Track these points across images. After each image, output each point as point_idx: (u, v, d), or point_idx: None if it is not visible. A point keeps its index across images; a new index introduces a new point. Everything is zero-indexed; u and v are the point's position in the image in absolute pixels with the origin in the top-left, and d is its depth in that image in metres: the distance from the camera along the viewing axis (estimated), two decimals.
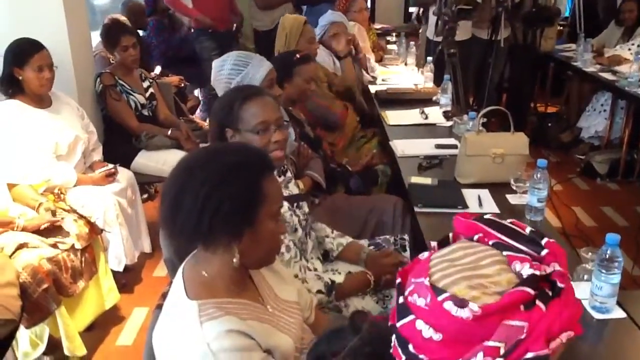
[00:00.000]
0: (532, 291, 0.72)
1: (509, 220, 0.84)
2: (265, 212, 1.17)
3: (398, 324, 0.77)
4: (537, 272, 0.74)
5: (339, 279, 1.84)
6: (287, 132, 1.80)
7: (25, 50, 2.64)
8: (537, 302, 0.72)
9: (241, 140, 1.71)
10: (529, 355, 0.70)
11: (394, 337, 0.78)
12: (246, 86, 1.95)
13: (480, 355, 0.70)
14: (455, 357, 0.71)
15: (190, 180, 1.14)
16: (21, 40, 2.68)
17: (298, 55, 2.69)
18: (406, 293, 0.78)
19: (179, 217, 1.14)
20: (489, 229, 0.82)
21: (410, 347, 0.75)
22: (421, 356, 0.74)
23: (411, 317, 0.75)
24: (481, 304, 0.71)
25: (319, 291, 1.76)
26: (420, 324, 0.74)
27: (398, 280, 0.83)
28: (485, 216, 0.85)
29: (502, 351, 0.70)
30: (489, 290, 0.73)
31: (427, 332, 0.73)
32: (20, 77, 2.65)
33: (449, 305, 0.71)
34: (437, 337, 0.72)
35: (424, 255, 0.83)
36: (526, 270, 0.74)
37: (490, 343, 0.70)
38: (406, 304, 0.77)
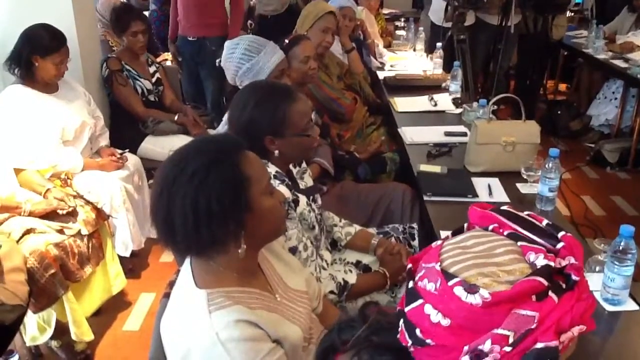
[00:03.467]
0: (545, 282, 0.71)
1: (525, 213, 0.83)
2: (255, 192, 1.15)
3: (406, 309, 0.76)
4: (552, 263, 0.73)
5: (352, 279, 1.80)
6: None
7: (52, 43, 2.63)
8: (550, 293, 0.71)
9: (283, 144, 1.66)
10: (539, 345, 0.69)
11: (401, 322, 0.77)
12: (280, 89, 1.80)
13: (488, 342, 0.69)
14: (462, 344, 0.70)
15: (171, 200, 1.11)
16: (46, 30, 2.65)
17: (287, 40, 2.64)
18: (416, 278, 0.77)
19: (178, 238, 1.12)
20: (505, 219, 0.81)
21: (418, 331, 0.74)
22: (428, 341, 0.73)
23: (420, 301, 0.74)
24: (492, 291, 0.70)
25: (330, 292, 1.73)
26: (428, 308, 0.73)
27: (409, 266, 0.82)
28: (502, 207, 0.84)
29: (511, 340, 0.69)
30: (500, 279, 0.72)
31: (436, 317, 0.72)
32: (36, 64, 2.64)
33: (459, 291, 0.70)
34: (445, 322, 0.71)
35: (437, 243, 0.82)
36: (540, 260, 0.73)
37: (499, 331, 0.69)
38: (415, 289, 0.76)
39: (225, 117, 2.25)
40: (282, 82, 2.09)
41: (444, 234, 0.87)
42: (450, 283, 0.71)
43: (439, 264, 0.74)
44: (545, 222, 0.81)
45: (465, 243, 0.78)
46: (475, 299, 0.69)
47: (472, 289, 0.70)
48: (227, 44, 2.33)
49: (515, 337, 0.68)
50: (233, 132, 1.72)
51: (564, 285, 0.73)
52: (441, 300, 0.72)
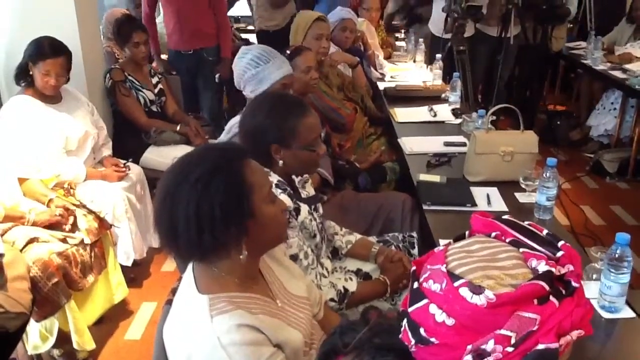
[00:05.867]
0: (546, 286, 0.73)
1: (526, 222, 0.85)
2: (258, 199, 1.17)
3: (410, 309, 0.78)
4: (553, 270, 0.75)
5: (352, 287, 1.80)
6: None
7: (42, 50, 2.64)
8: (551, 298, 0.73)
9: (289, 156, 1.68)
10: (540, 346, 0.70)
11: (404, 322, 0.79)
12: (294, 101, 1.82)
13: (491, 342, 0.71)
14: (465, 343, 0.72)
15: (174, 206, 1.13)
16: (46, 40, 2.68)
17: (288, 52, 2.68)
18: (421, 279, 0.79)
19: (181, 243, 1.14)
20: (507, 228, 0.83)
21: (422, 330, 0.76)
22: (432, 339, 0.74)
23: (425, 301, 0.76)
24: (496, 293, 0.72)
25: (331, 299, 1.74)
26: (433, 308, 0.75)
27: (413, 269, 0.84)
28: (504, 217, 0.86)
29: (513, 340, 0.70)
30: (504, 282, 0.74)
31: (440, 316, 0.74)
32: (30, 72, 2.67)
33: (464, 292, 0.72)
34: (449, 322, 0.73)
35: (439, 248, 0.84)
36: (542, 267, 0.76)
37: (502, 331, 0.71)
38: (420, 289, 0.78)
39: (227, 126, 2.29)
40: (296, 96, 2.12)
41: (443, 242, 0.89)
42: (456, 284, 0.73)
43: (444, 265, 0.76)
44: (545, 231, 0.84)
45: (469, 247, 0.80)
46: (480, 300, 0.71)
47: (477, 290, 0.72)
48: (242, 48, 2.40)
49: (517, 338, 0.70)
50: (240, 137, 1.76)
51: (563, 292, 0.75)
52: (446, 300, 0.73)
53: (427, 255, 0.85)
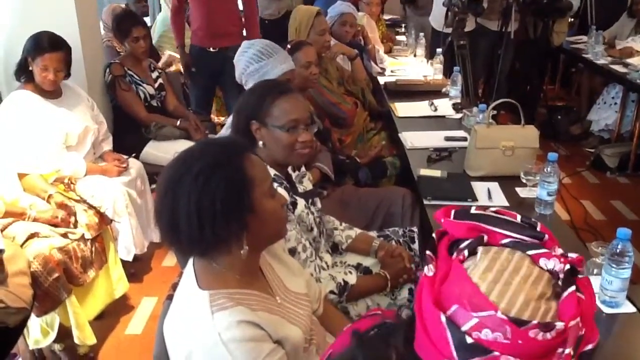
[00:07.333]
0: (574, 288, 0.74)
1: (492, 209, 0.84)
2: (258, 193, 1.17)
3: None
4: (568, 266, 0.76)
5: (352, 279, 1.81)
6: (312, 133, 1.77)
7: (41, 45, 2.63)
8: (577, 293, 0.75)
9: (266, 135, 1.69)
10: (589, 347, 0.73)
11: None
12: (278, 82, 1.90)
13: None
14: None
15: (175, 200, 1.13)
16: (45, 34, 2.67)
17: (289, 46, 2.67)
18: (466, 328, 0.73)
19: (182, 237, 1.14)
20: (489, 226, 0.81)
21: None
22: None
23: (493, 354, 0.72)
24: (552, 314, 0.73)
25: (331, 292, 1.74)
26: (506, 359, 0.71)
27: (444, 318, 0.74)
28: (472, 210, 0.84)
29: (572, 353, 0.71)
30: (546, 297, 0.74)
31: None
32: (30, 68, 2.66)
33: (534, 333, 0.71)
34: None
35: (430, 270, 0.79)
36: (558, 266, 0.76)
37: (567, 351, 0.71)
38: (477, 343, 0.72)
39: (228, 121, 2.29)
40: (283, 82, 2.13)
41: (429, 254, 0.85)
42: (523, 328, 0.71)
43: (498, 312, 0.72)
44: (519, 217, 0.83)
45: (495, 274, 0.76)
46: (550, 335, 0.71)
47: (547, 326, 0.71)
48: (244, 42, 2.40)
49: (574, 350, 0.71)
50: (233, 119, 1.79)
51: (572, 278, 0.76)
52: (516, 346, 0.71)
53: (421, 284, 0.79)
